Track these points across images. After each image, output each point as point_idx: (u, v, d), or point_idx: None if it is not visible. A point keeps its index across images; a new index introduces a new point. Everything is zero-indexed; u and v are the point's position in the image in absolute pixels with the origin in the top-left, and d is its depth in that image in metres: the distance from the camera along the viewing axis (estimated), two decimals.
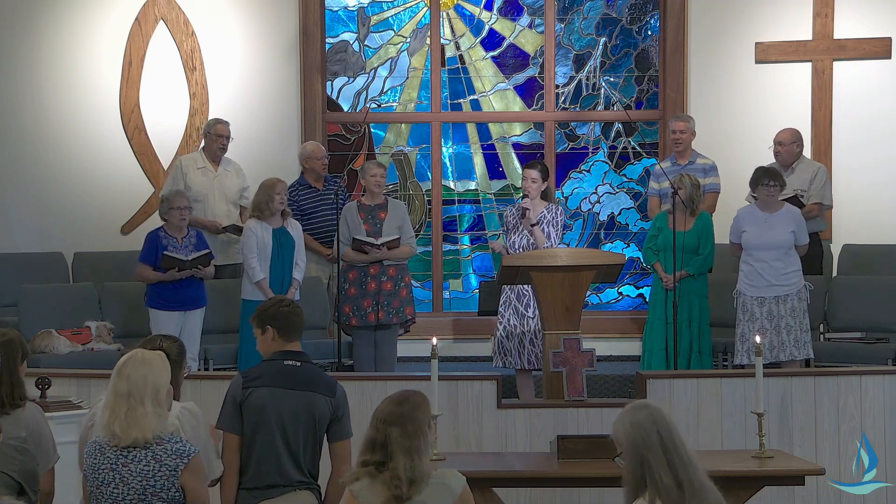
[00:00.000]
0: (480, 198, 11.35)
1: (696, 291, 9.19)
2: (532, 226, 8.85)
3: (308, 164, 9.95)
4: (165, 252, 8.98)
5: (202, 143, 10.17)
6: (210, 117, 10.50)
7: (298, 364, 5.36)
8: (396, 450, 4.25)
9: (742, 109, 10.81)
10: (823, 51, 10.71)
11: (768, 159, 9.81)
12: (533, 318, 8.69)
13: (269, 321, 5.39)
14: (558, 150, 11.26)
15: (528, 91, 11.34)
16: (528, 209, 8.89)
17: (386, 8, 11.33)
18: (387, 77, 11.32)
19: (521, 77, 11.35)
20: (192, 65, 10.80)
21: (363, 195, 9.43)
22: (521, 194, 9.23)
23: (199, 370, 9.06)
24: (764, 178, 8.94)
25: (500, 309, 8.87)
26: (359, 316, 9.15)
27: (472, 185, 11.38)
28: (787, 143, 9.79)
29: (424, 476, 4.29)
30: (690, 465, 3.78)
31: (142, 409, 4.63)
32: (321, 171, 9.95)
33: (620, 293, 11.21)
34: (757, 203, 9.03)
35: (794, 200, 9.33)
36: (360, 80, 11.30)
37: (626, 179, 11.28)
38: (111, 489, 4.62)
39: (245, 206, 9.97)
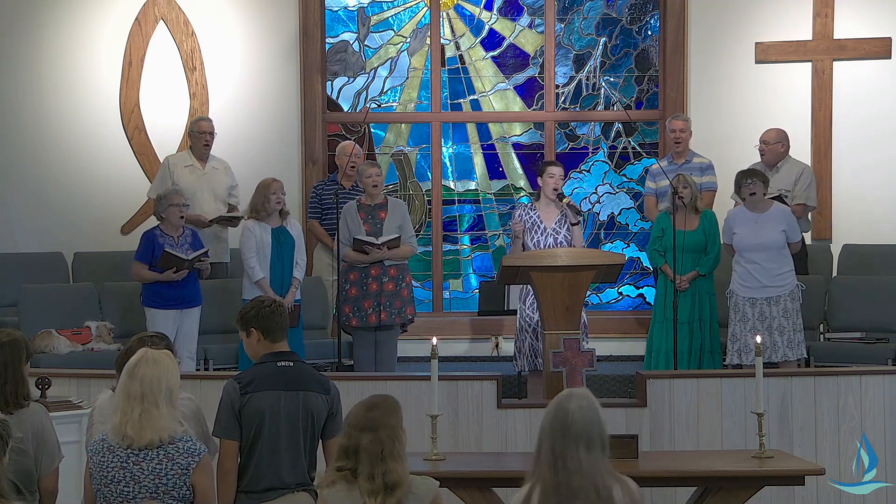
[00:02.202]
0: (480, 198, 11.35)
1: (706, 290, 9.21)
2: (573, 224, 8.78)
3: (337, 161, 10.07)
4: (166, 250, 8.98)
5: (189, 143, 10.19)
6: (210, 117, 10.51)
7: (291, 364, 5.35)
8: (364, 457, 4.22)
9: (742, 109, 10.81)
10: (823, 51, 10.71)
11: (758, 158, 9.85)
12: None
13: (252, 323, 5.37)
14: (558, 150, 11.26)
15: (528, 91, 11.34)
16: (574, 205, 8.83)
17: (386, 8, 11.33)
18: (387, 77, 11.33)
19: (521, 77, 11.35)
20: (192, 65, 10.81)
21: (363, 195, 9.41)
22: (536, 193, 9.01)
23: (197, 370, 9.07)
24: (743, 179, 8.97)
25: (526, 311, 8.62)
26: (359, 317, 9.11)
27: (472, 185, 11.38)
28: (772, 143, 9.79)
29: (403, 480, 4.24)
30: (579, 473, 3.70)
31: (157, 412, 4.65)
32: (347, 168, 9.96)
33: (620, 293, 11.21)
34: (746, 204, 9.04)
35: (779, 200, 9.33)
36: (360, 80, 11.30)
37: (626, 179, 11.28)
38: (121, 487, 4.63)
39: (233, 204, 10.00)
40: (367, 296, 9.09)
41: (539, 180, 8.89)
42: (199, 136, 9.97)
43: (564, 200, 8.81)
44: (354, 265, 9.13)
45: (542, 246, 8.66)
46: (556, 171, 8.84)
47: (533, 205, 8.89)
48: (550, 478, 3.70)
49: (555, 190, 8.77)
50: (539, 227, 8.74)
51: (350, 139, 11.11)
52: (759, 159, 9.87)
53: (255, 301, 5.51)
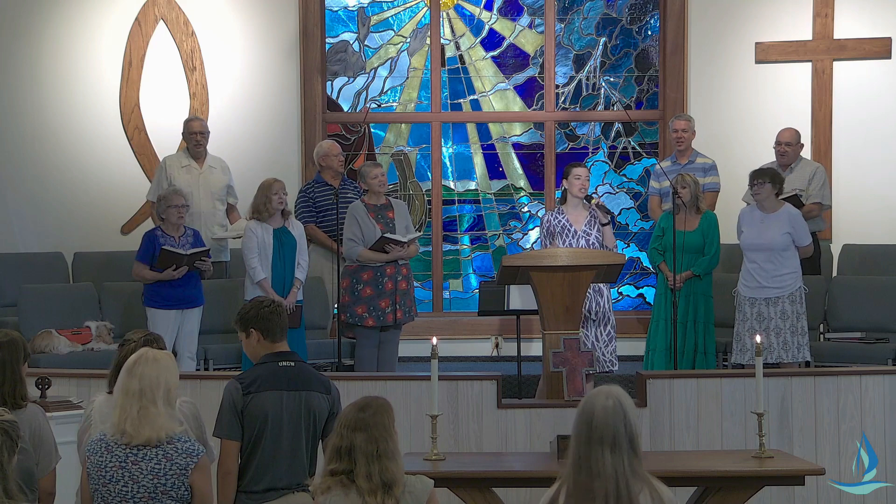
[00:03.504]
0: (480, 198, 11.35)
1: (702, 291, 9.20)
2: (604, 225, 8.74)
3: (325, 161, 9.96)
4: (164, 247, 8.98)
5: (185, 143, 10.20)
6: (210, 117, 10.51)
7: (293, 364, 5.35)
8: (361, 456, 4.22)
9: (742, 109, 10.82)
10: (823, 51, 10.71)
11: (768, 158, 9.82)
12: (598, 321, 8.58)
13: (251, 324, 5.37)
14: (558, 150, 11.26)
15: (528, 91, 11.34)
16: (603, 205, 8.78)
17: (386, 8, 11.33)
18: (387, 77, 11.33)
19: (521, 77, 11.35)
20: (192, 65, 10.81)
21: (364, 195, 9.39)
22: (562, 195, 8.92)
23: (198, 370, 9.07)
24: (752, 179, 8.97)
25: None
26: (376, 316, 9.06)
27: (472, 185, 11.38)
28: (795, 143, 9.79)
29: (399, 478, 4.25)
30: (603, 476, 3.61)
31: (154, 409, 4.64)
32: (338, 167, 9.95)
33: (620, 293, 11.21)
34: (756, 204, 9.03)
35: (794, 199, 9.32)
36: (360, 80, 11.30)
37: (626, 179, 11.28)
38: (120, 487, 4.63)
39: (232, 203, 10.00)
40: (384, 294, 9.07)
41: (564, 182, 8.84)
42: (189, 136, 9.99)
43: (593, 202, 8.79)
44: (367, 265, 9.09)
45: None
46: (582, 171, 8.82)
47: (559, 208, 8.85)
48: (574, 479, 3.65)
49: (581, 190, 8.75)
50: (569, 230, 8.70)
51: (351, 139, 11.12)
52: (759, 159, 9.85)
53: (253, 302, 5.51)
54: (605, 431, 3.63)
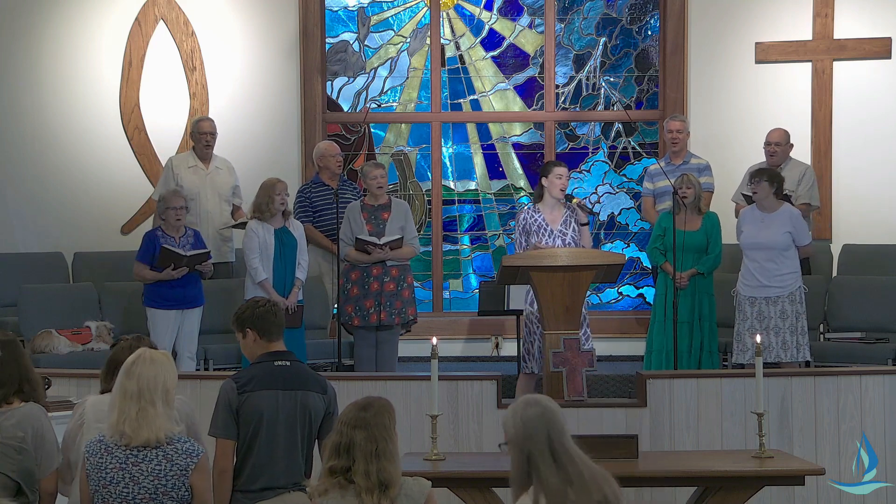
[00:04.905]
0: (480, 198, 11.35)
1: (706, 290, 9.20)
2: (583, 224, 8.63)
3: (322, 162, 9.95)
4: (164, 246, 8.99)
5: (191, 143, 10.20)
6: (210, 117, 10.51)
7: (288, 364, 5.35)
8: (360, 454, 4.22)
9: (742, 109, 10.81)
10: (823, 51, 10.71)
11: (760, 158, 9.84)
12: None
13: (247, 324, 5.37)
14: (558, 150, 11.26)
15: (528, 91, 11.34)
16: (584, 205, 8.72)
17: (386, 8, 11.33)
18: (387, 77, 11.33)
19: (521, 77, 11.35)
20: (192, 65, 10.81)
21: (364, 195, 9.39)
22: (543, 194, 8.71)
23: (197, 370, 9.07)
24: (750, 179, 8.98)
25: (536, 313, 8.20)
26: (361, 316, 9.11)
27: (472, 185, 11.38)
28: (784, 144, 9.78)
29: (396, 480, 4.25)
30: (580, 463, 3.80)
31: (153, 410, 4.64)
32: (336, 168, 9.94)
33: (620, 293, 11.21)
34: (756, 203, 9.03)
35: (784, 200, 9.33)
36: (360, 80, 11.30)
37: (626, 179, 11.28)
38: (120, 488, 4.62)
39: (237, 204, 10.00)
40: (369, 295, 9.09)
41: (543, 181, 8.52)
42: (199, 136, 9.98)
43: (574, 201, 8.62)
44: (356, 265, 9.13)
45: None
46: (564, 171, 8.53)
47: (535, 206, 8.59)
48: (556, 481, 3.73)
49: (562, 191, 8.58)
50: (545, 229, 8.47)
51: (351, 139, 11.12)
52: (759, 159, 9.85)
53: (249, 302, 5.53)
54: (560, 433, 3.82)
